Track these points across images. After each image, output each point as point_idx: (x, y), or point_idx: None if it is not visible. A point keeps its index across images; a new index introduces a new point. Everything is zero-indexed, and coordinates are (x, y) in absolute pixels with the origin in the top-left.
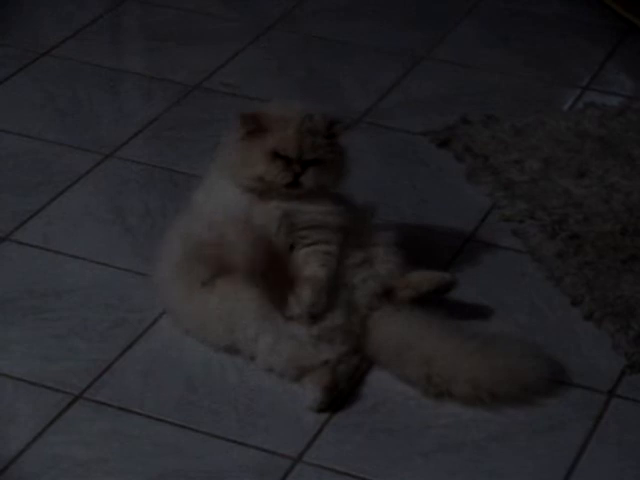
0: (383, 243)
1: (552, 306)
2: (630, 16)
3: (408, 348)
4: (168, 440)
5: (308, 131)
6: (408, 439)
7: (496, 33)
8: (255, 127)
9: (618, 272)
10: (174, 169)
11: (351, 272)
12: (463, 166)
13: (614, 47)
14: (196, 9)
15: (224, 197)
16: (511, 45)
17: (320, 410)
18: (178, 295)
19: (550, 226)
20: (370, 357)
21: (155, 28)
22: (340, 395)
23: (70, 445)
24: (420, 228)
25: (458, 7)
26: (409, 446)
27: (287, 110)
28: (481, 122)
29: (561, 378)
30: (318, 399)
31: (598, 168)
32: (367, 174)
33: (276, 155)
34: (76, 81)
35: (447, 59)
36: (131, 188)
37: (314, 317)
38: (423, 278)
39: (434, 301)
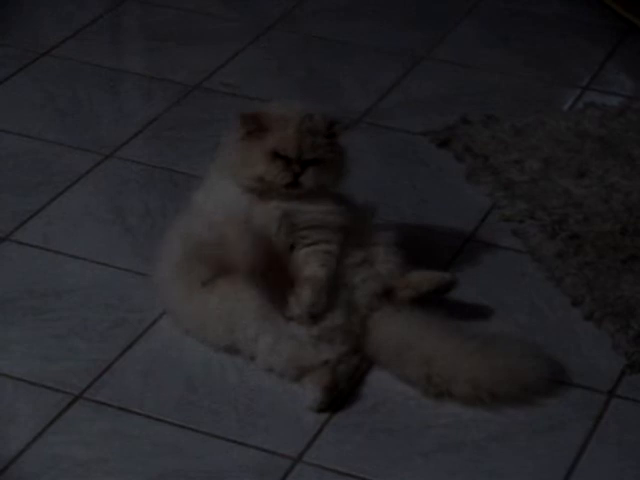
0: (383, 243)
1: (552, 306)
2: (630, 16)
3: (408, 348)
4: (168, 440)
5: (308, 131)
6: (408, 439)
7: (496, 33)
8: (255, 127)
9: (618, 272)
10: (174, 169)
11: (351, 272)
12: (463, 166)
13: (614, 47)
14: (196, 9)
15: (224, 197)
16: (511, 45)
17: (320, 410)
18: (178, 295)
19: (550, 226)
20: (370, 357)
21: (155, 28)
22: (340, 395)
23: (70, 445)
24: (420, 228)
25: (458, 7)
26: (409, 446)
27: (287, 110)
28: (481, 122)
29: (561, 378)
30: (318, 399)
31: (598, 168)
32: (367, 174)
33: (276, 155)
34: (76, 81)
35: (447, 59)
36: (131, 188)
37: (314, 317)
38: (423, 278)
39: (434, 301)
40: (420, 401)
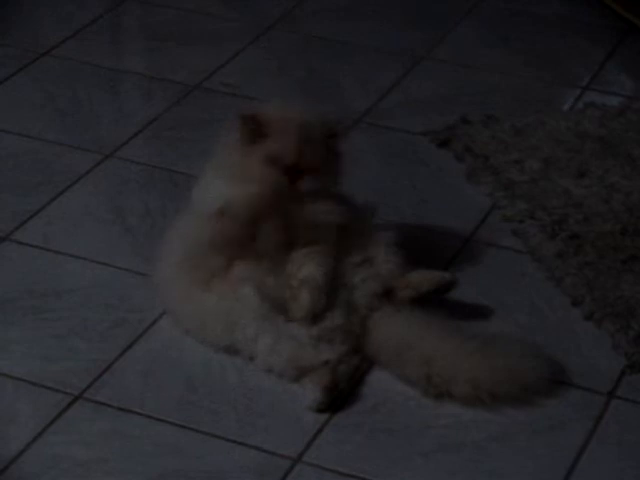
0: (383, 243)
1: (552, 306)
2: (630, 16)
3: (408, 348)
4: (168, 440)
5: (307, 139)
6: (408, 439)
7: (496, 33)
8: (254, 130)
9: (618, 272)
10: (174, 169)
11: (351, 272)
12: (463, 166)
13: (614, 47)
14: (196, 9)
15: (220, 196)
16: (511, 45)
17: (320, 410)
18: (178, 295)
19: (550, 226)
20: (370, 357)
21: (155, 28)
22: (340, 395)
23: (70, 445)
24: (420, 228)
25: (458, 7)
26: (409, 446)
27: (287, 113)
28: (481, 122)
29: (561, 378)
30: (318, 399)
31: (598, 168)
32: (367, 174)
33: (273, 160)
34: (76, 81)
35: (447, 59)
36: (131, 188)
37: (314, 317)
38: (423, 278)
39: (434, 301)
40: (420, 401)
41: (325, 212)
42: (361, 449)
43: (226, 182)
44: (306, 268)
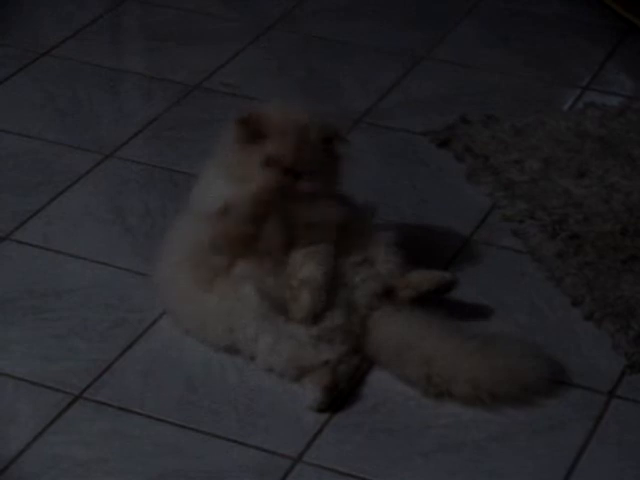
0: (383, 243)
1: (552, 306)
2: (630, 16)
3: (408, 348)
4: (168, 440)
5: (305, 141)
6: (408, 439)
7: (496, 33)
8: (253, 130)
9: (618, 272)
10: (174, 169)
11: (351, 272)
12: (463, 166)
13: (614, 47)
14: (196, 9)
15: (221, 194)
16: (511, 45)
17: (320, 410)
18: (178, 295)
19: (550, 226)
20: (370, 357)
21: (155, 28)
22: (340, 395)
23: (70, 445)
24: (420, 228)
25: (458, 7)
26: (409, 446)
27: (287, 114)
28: (481, 122)
29: (561, 378)
30: (318, 399)
31: (598, 168)
32: (367, 174)
33: (271, 161)
34: (76, 81)
35: (447, 59)
36: (131, 188)
37: (314, 317)
38: (423, 278)
39: (434, 301)
40: (420, 401)
41: (325, 212)
42: (361, 449)
43: (226, 182)
44: (306, 268)
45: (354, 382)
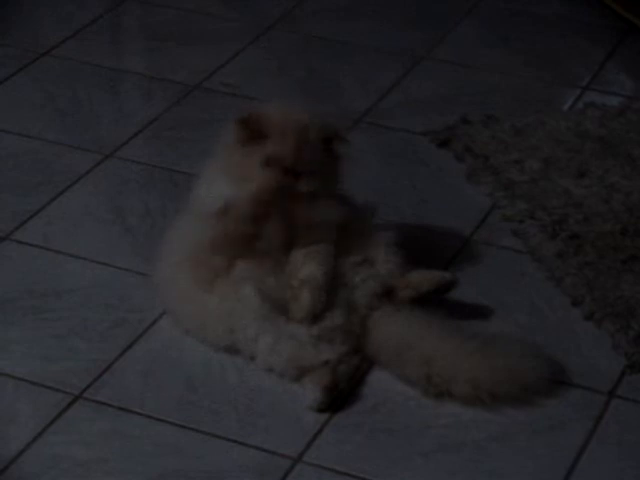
0: (383, 243)
1: (552, 306)
2: (630, 16)
3: (408, 348)
4: (168, 440)
5: (305, 142)
6: (408, 439)
7: (496, 33)
8: (253, 130)
9: (618, 272)
10: (174, 169)
11: (351, 272)
12: (463, 166)
13: (614, 47)
14: (196, 9)
15: (221, 194)
16: (511, 45)
17: (320, 410)
18: (178, 295)
19: (550, 226)
20: (370, 357)
21: (155, 28)
22: (340, 395)
23: (70, 445)
24: (420, 228)
25: (458, 7)
26: (409, 446)
27: (287, 115)
28: (481, 122)
29: (561, 378)
30: (318, 399)
31: (598, 168)
32: (367, 174)
33: (271, 161)
34: (76, 81)
35: (447, 59)
36: (131, 188)
37: (315, 317)
38: (423, 278)
39: (434, 301)
40: (420, 401)
41: (325, 212)
42: (361, 449)
43: (226, 182)
44: (307, 268)
45: (354, 382)
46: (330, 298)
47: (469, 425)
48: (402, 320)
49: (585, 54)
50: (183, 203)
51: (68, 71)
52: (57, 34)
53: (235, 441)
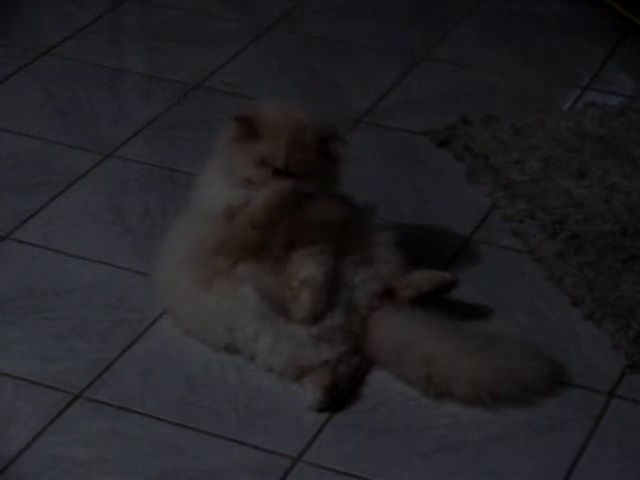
0: (383, 243)
1: (552, 306)
2: (630, 15)
3: (408, 348)
4: (168, 440)
5: (299, 144)
6: (408, 439)
7: (496, 33)
8: (248, 130)
9: (618, 272)
10: (174, 169)
11: (351, 272)
12: (463, 166)
13: (614, 47)
14: (196, 9)
15: (225, 196)
16: (511, 45)
17: (320, 410)
18: (178, 295)
19: (550, 226)
20: (370, 357)
21: (155, 28)
22: (340, 395)
23: (70, 445)
24: (420, 228)
25: (458, 7)
26: (409, 446)
27: (283, 115)
28: (481, 122)
29: (561, 378)
30: (318, 399)
31: (598, 168)
32: (367, 174)
33: (263, 161)
34: (76, 81)
35: (447, 59)
36: (131, 188)
37: (315, 317)
38: (423, 278)
39: (434, 301)
40: (420, 401)
41: (325, 212)
42: (361, 449)
43: (225, 183)
44: (306, 268)
45: (354, 382)
46: (330, 298)
47: (469, 425)
48: (402, 320)
49: (585, 54)
50: (183, 203)
51: (68, 71)
52: (57, 34)
53: (235, 441)
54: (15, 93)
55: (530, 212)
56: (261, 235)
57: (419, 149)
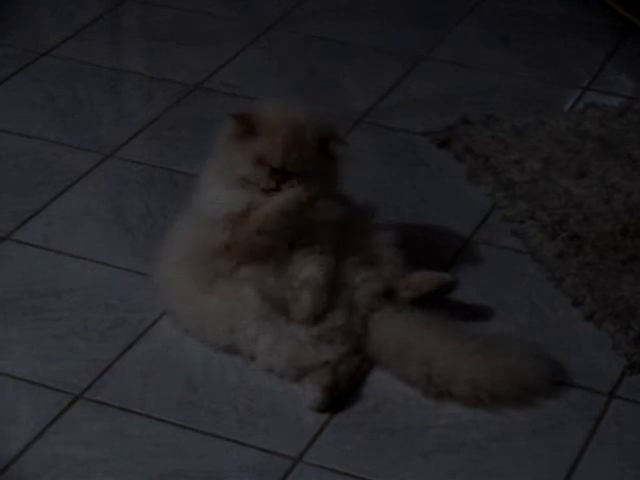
0: (383, 243)
1: (552, 306)
2: (630, 16)
3: (408, 348)
4: (168, 440)
5: (296, 144)
6: (408, 439)
7: (496, 33)
8: (245, 129)
9: (618, 273)
10: (174, 169)
11: (351, 272)
12: (463, 166)
13: (614, 47)
14: (196, 9)
15: (222, 196)
16: (511, 45)
17: (320, 410)
18: (178, 295)
19: (550, 226)
20: (370, 357)
21: (155, 28)
22: (340, 395)
23: (70, 445)
24: (420, 228)
25: (458, 7)
26: (409, 446)
27: (281, 114)
28: (481, 122)
29: (561, 378)
30: (318, 399)
31: (598, 168)
32: (367, 174)
33: (262, 160)
34: (76, 81)
35: (447, 59)
36: (131, 188)
37: (315, 318)
38: (424, 279)
39: (434, 302)
40: (420, 401)
41: (325, 212)
42: (361, 449)
43: (224, 183)
44: (307, 269)
45: (354, 382)
46: (331, 299)
47: (469, 425)
48: (402, 320)
49: (585, 54)
50: (183, 203)
51: (68, 71)
52: (57, 34)
53: (235, 441)
54: (15, 93)
55: (530, 212)
56: (268, 241)
57: (419, 149)
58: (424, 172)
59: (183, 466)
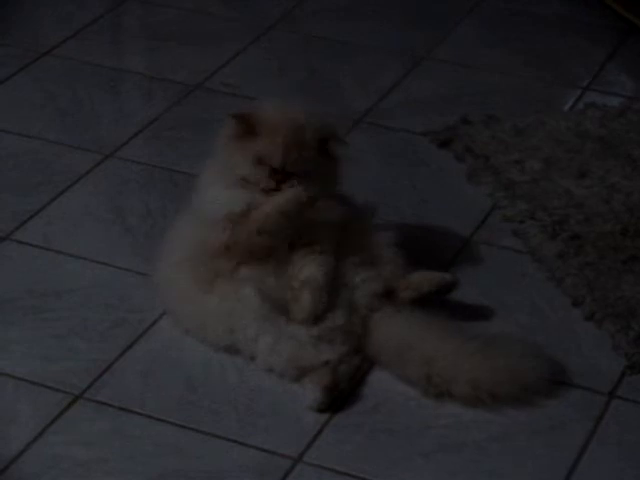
0: (383, 243)
1: (553, 306)
2: (630, 16)
3: (409, 348)
4: (168, 440)
5: (296, 144)
6: (408, 439)
7: (496, 33)
8: (246, 128)
9: (619, 273)
10: (174, 169)
11: (352, 272)
12: (464, 166)
13: (615, 47)
14: (196, 9)
15: (222, 197)
16: (511, 45)
17: (320, 410)
18: (178, 295)
19: (551, 226)
20: (371, 357)
21: (155, 28)
22: (340, 395)
23: (70, 445)
24: (420, 228)
25: (458, 7)
26: (409, 446)
27: (281, 114)
28: (481, 122)
29: (561, 378)
30: (318, 399)
31: (599, 168)
32: (367, 174)
33: (261, 160)
34: (76, 81)
35: (447, 59)
36: (131, 188)
37: (315, 318)
38: (424, 279)
39: (435, 302)
40: (420, 401)
41: (325, 212)
42: (361, 449)
43: (224, 183)
44: (307, 269)
45: (354, 382)
46: (331, 299)
47: (469, 425)
48: (403, 321)
49: (585, 54)
50: (183, 203)
51: (68, 71)
52: (57, 34)
53: (235, 441)
54: (15, 93)
55: (530, 212)
56: (268, 241)
57: (419, 149)
58: (424, 172)
59: (183, 466)
